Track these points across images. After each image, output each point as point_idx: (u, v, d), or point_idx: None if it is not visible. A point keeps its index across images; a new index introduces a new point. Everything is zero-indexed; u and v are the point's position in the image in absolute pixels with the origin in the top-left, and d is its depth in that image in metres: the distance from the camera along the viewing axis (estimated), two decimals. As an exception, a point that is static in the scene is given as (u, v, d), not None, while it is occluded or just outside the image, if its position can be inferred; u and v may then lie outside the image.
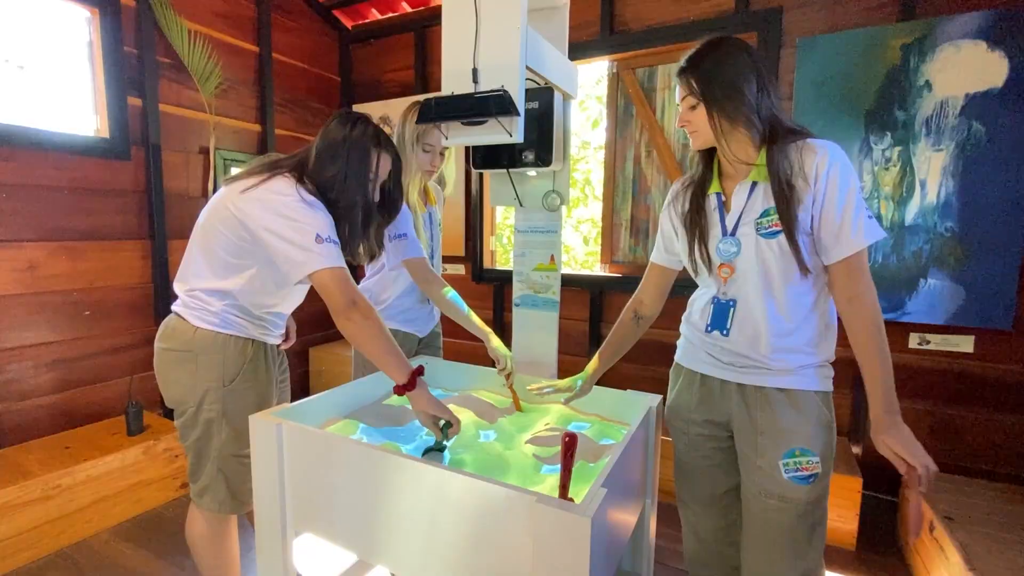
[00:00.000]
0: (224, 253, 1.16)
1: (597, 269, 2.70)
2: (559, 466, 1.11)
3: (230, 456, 1.23)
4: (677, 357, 1.21)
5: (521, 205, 1.52)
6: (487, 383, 1.53)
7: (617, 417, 1.36)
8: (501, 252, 3.32)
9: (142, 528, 1.97)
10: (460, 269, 2.98)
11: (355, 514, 1.01)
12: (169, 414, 2.36)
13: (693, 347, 1.15)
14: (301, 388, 3.24)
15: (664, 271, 1.21)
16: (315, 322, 3.19)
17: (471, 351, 2.98)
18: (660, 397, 1.29)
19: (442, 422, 1.13)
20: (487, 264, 2.95)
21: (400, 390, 1.11)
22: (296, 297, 1.32)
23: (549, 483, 1.03)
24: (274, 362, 1.33)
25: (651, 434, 1.26)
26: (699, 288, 1.16)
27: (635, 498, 1.16)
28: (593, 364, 1.29)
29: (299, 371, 3.21)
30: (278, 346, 1.39)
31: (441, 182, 1.74)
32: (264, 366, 1.27)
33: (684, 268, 1.19)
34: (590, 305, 2.62)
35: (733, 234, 1.03)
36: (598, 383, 1.33)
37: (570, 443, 0.87)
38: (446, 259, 2.91)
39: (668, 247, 1.19)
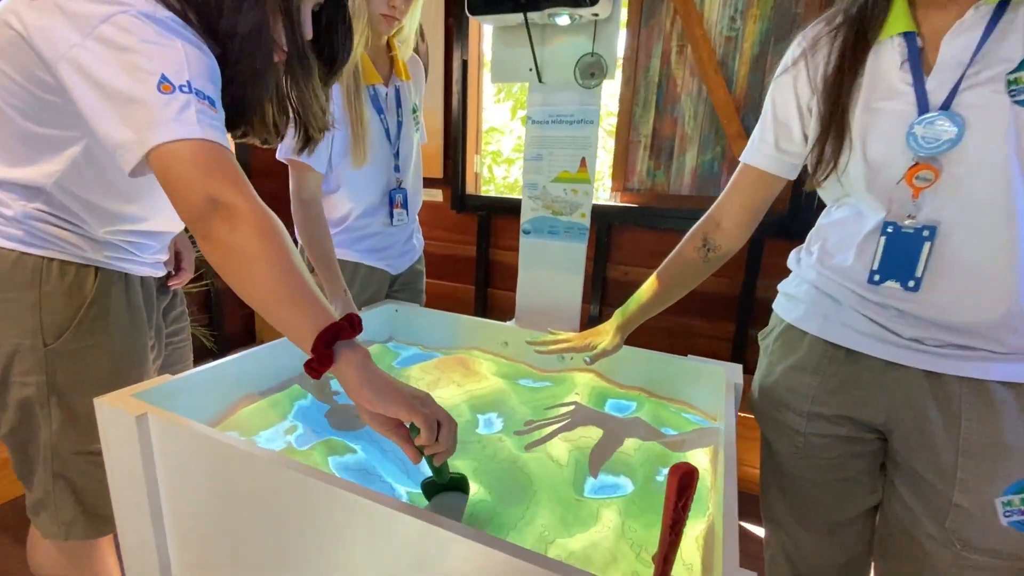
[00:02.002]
0: (15, 113, 0.63)
1: (600, 199, 2.22)
2: (603, 477, 0.68)
3: (74, 455, 0.77)
4: (791, 317, 0.79)
5: (540, 80, 1.01)
6: (483, 341, 1.09)
7: (670, 394, 0.97)
8: (483, 179, 2.80)
9: None
10: (437, 195, 2.46)
11: (275, 570, 0.58)
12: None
13: (834, 304, 0.73)
14: (246, 334, 2.72)
15: (765, 179, 0.77)
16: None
17: (450, 294, 2.52)
18: (739, 367, 0.90)
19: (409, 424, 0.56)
20: (470, 189, 2.44)
21: (311, 369, 0.54)
22: None
23: (606, 521, 0.62)
24: (151, 305, 0.84)
25: (731, 423, 0.87)
26: (837, 208, 0.74)
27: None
28: (628, 310, 0.89)
29: (242, 313, 2.68)
30: (164, 281, 0.90)
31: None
32: (125, 310, 0.77)
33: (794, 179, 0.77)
34: (595, 242, 2.17)
35: (947, 107, 0.59)
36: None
37: (687, 483, 0.44)
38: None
39: (782, 139, 0.74)
